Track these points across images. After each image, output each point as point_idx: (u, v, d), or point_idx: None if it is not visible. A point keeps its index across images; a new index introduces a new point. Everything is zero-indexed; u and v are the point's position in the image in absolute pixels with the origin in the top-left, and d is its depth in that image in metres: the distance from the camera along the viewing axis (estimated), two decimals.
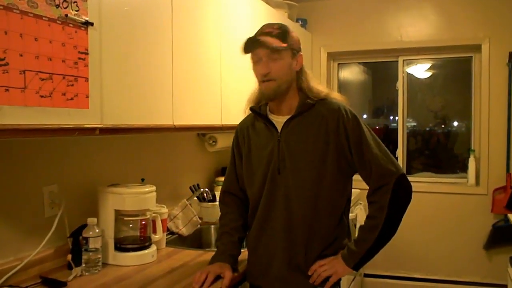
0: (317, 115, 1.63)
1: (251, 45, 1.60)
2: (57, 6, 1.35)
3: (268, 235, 1.69)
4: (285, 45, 1.59)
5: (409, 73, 4.03)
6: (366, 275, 3.94)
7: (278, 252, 1.66)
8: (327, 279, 1.63)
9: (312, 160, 1.61)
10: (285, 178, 1.64)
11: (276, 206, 1.67)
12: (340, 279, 1.69)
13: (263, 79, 1.61)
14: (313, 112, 1.64)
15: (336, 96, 1.71)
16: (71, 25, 1.40)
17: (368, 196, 1.64)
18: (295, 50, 1.64)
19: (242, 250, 1.80)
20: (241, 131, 1.81)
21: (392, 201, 1.57)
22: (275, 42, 1.57)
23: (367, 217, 1.63)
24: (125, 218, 1.90)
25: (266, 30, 1.61)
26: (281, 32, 1.61)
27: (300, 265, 1.65)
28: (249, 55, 1.64)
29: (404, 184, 1.61)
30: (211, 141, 2.84)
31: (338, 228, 1.66)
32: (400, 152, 3.98)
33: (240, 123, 1.85)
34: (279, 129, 1.67)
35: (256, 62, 1.63)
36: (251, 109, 1.75)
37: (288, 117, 1.66)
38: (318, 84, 1.71)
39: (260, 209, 1.71)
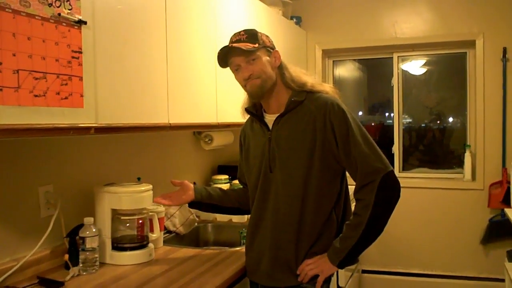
0: (305, 112, 1.63)
1: (224, 56, 1.64)
2: (50, 5, 1.34)
3: (260, 233, 1.72)
4: (256, 45, 1.61)
5: (404, 70, 4.04)
6: (364, 271, 3.95)
7: (266, 249, 1.68)
8: (315, 277, 1.63)
9: (300, 157, 1.62)
10: (275, 176, 1.66)
11: (267, 204, 1.69)
12: (330, 277, 1.68)
13: (246, 82, 1.64)
14: (301, 109, 1.64)
15: (327, 88, 1.70)
16: (64, 24, 1.40)
17: (354, 194, 1.63)
18: (268, 48, 1.66)
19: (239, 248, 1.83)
20: (243, 131, 1.88)
21: (378, 199, 1.55)
22: (247, 45, 1.60)
23: (353, 214, 1.62)
24: (122, 217, 1.90)
25: (234, 39, 1.65)
26: (249, 36, 1.64)
27: (289, 263, 1.65)
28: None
29: (391, 182, 1.57)
30: (207, 139, 2.84)
31: (326, 225, 1.65)
32: (396, 148, 3.99)
33: (245, 123, 1.89)
34: (270, 127, 1.69)
35: (236, 70, 1.66)
36: (246, 109, 1.77)
37: (278, 115, 1.67)
38: (303, 75, 1.71)
39: (254, 207, 1.74)
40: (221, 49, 1.63)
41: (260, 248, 1.71)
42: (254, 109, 1.75)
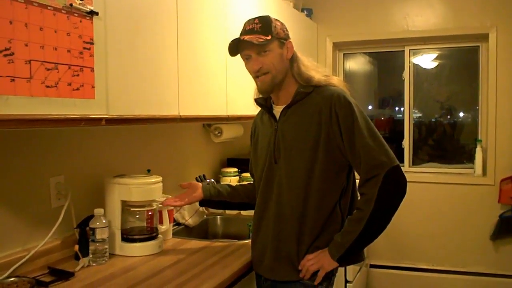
0: (311, 103, 1.61)
1: (235, 48, 1.62)
2: None
3: (264, 225, 1.70)
4: (269, 37, 1.57)
5: (415, 64, 4.00)
6: (371, 266, 3.94)
7: (269, 241, 1.67)
8: (317, 272, 1.60)
9: (303, 149, 1.59)
10: (279, 168, 1.64)
11: (271, 195, 1.67)
12: (332, 273, 1.65)
13: (256, 74, 1.62)
14: (308, 100, 1.62)
15: (335, 81, 1.66)
16: (76, 14, 1.39)
17: (358, 188, 1.60)
18: (282, 39, 1.61)
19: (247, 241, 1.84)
20: (254, 122, 1.87)
21: (381, 194, 1.51)
22: (258, 38, 1.56)
23: (356, 208, 1.59)
24: (132, 209, 1.90)
25: (248, 28, 1.61)
26: (263, 25, 1.59)
27: (291, 257, 1.63)
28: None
29: (395, 177, 1.53)
30: (216, 132, 2.83)
31: (329, 220, 1.61)
32: (406, 143, 3.96)
33: (256, 114, 1.88)
34: (277, 118, 1.68)
35: (246, 59, 1.64)
36: (255, 100, 1.76)
37: (285, 106, 1.66)
38: (311, 69, 1.66)
39: (258, 198, 1.73)
40: (232, 41, 1.60)
41: (264, 240, 1.70)
42: (264, 100, 1.74)
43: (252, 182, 1.94)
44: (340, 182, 1.63)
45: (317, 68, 1.70)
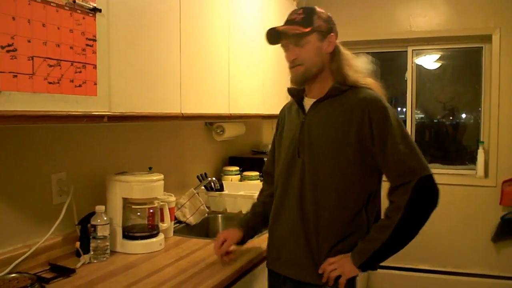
0: (344, 102, 1.55)
1: (272, 37, 1.60)
2: None
3: (283, 220, 1.64)
4: (307, 30, 1.53)
5: (418, 64, 3.99)
6: None
7: (289, 237, 1.60)
8: (338, 277, 1.53)
9: (330, 147, 1.54)
10: (302, 162, 1.58)
11: (292, 189, 1.60)
12: (354, 278, 1.57)
13: (291, 65, 1.60)
14: (342, 99, 1.56)
15: (373, 85, 1.61)
16: (79, 11, 1.39)
17: (388, 195, 1.54)
18: (323, 32, 1.57)
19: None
20: (282, 112, 1.81)
21: (411, 203, 1.46)
22: (296, 29, 1.54)
23: (384, 215, 1.54)
24: (133, 206, 1.91)
25: (290, 18, 1.59)
26: (305, 17, 1.56)
27: (312, 256, 1.56)
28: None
29: (427, 186, 1.48)
30: (218, 130, 2.83)
31: (353, 224, 1.54)
32: None
33: (287, 103, 1.83)
34: (306, 111, 1.62)
35: (285, 49, 1.62)
36: (288, 90, 1.71)
37: (316, 99, 1.60)
38: (352, 68, 1.61)
39: (278, 192, 1.67)
40: (269, 30, 1.57)
41: (282, 236, 1.63)
42: (297, 91, 1.67)
43: (271, 178, 1.82)
44: (368, 186, 1.57)
45: (358, 69, 1.65)
